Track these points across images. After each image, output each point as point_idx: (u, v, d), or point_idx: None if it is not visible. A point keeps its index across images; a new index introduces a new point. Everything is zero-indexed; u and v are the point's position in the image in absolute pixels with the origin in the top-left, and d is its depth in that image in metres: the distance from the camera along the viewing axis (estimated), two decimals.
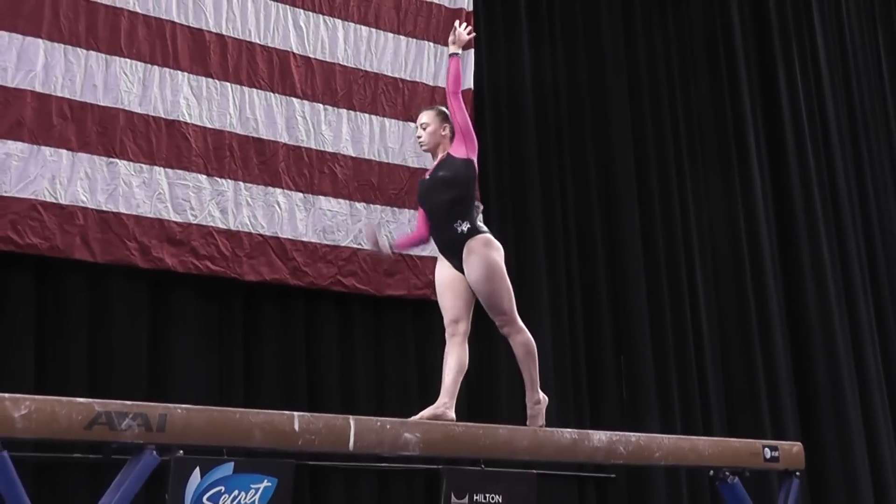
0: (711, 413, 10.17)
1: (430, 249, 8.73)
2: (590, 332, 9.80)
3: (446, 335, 5.29)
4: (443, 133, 5.42)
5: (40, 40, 7.24)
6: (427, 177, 5.41)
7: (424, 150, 5.55)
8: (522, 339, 5.28)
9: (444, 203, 5.23)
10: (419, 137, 5.48)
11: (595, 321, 9.85)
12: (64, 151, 7.24)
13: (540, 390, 5.37)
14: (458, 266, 5.24)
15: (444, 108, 5.48)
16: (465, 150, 5.31)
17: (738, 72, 11.50)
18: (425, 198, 5.39)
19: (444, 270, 5.32)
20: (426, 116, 5.47)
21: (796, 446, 6.04)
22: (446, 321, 5.29)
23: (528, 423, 5.36)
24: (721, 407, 10.33)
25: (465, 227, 5.20)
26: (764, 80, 11.81)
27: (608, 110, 10.47)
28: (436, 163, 5.40)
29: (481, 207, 5.46)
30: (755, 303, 10.85)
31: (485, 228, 5.25)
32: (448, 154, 5.34)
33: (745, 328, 10.75)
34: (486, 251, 5.17)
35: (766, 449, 5.80)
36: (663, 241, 10.45)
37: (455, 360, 5.21)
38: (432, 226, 5.37)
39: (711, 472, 5.78)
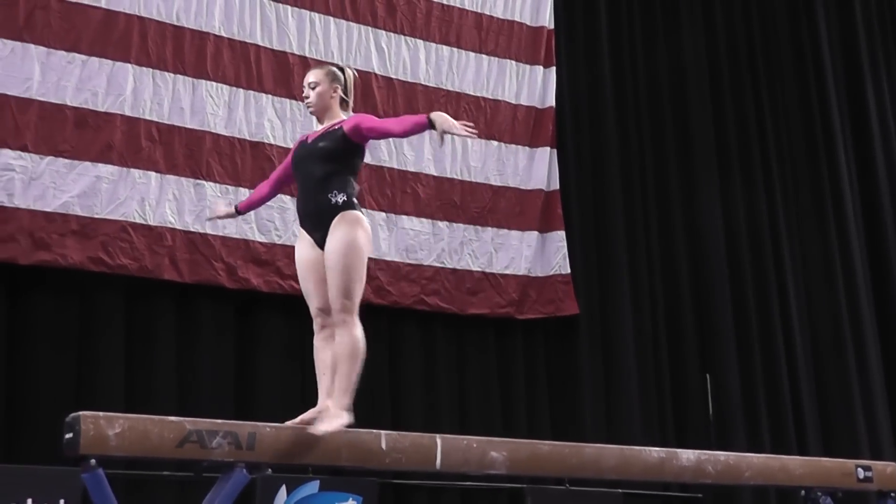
0: (806, 432, 9.96)
1: (514, 268, 8.77)
2: (674, 351, 9.69)
3: (314, 327, 4.65)
4: (332, 95, 4.80)
5: (129, 65, 7.39)
6: (308, 141, 4.79)
7: (311, 113, 4.90)
8: (352, 334, 4.48)
9: (321, 174, 4.64)
10: (306, 98, 4.84)
11: (679, 339, 9.75)
12: (152, 174, 7.38)
13: (344, 401, 4.40)
14: (322, 240, 4.61)
15: (333, 68, 4.89)
16: (357, 135, 4.66)
17: (824, 72, 11.28)
18: (300, 166, 4.76)
19: (304, 250, 4.71)
20: (314, 75, 4.83)
21: (890, 466, 5.90)
22: (313, 310, 4.67)
23: (297, 420, 4.44)
24: (816, 426, 10.12)
25: (341, 198, 4.60)
26: (850, 82, 11.55)
27: (690, 122, 10.38)
28: (321, 130, 4.78)
29: (358, 189, 4.76)
30: (849, 319, 10.59)
31: (361, 209, 4.67)
32: (338, 126, 4.71)
33: (839, 344, 10.48)
34: (356, 227, 4.57)
35: (860, 469, 5.67)
36: (749, 254, 10.30)
37: (331, 357, 4.56)
38: (301, 195, 4.75)
39: (803, 493, 5.67)
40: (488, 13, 9.12)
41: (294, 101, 8.03)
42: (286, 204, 7.87)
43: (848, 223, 10.93)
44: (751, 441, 9.49)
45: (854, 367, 10.47)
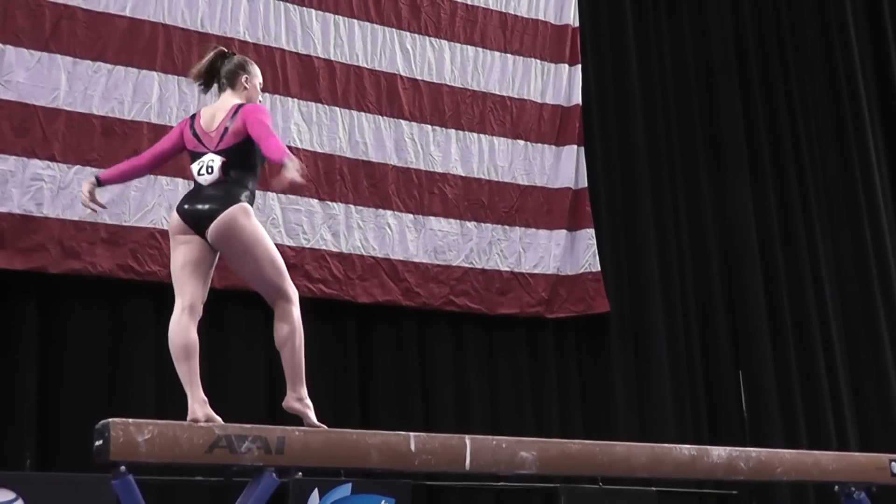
0: (845, 427, 9.84)
1: (543, 267, 8.75)
2: (706, 347, 9.62)
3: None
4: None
5: (155, 73, 7.43)
6: None
7: None
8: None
9: None
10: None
11: (712, 335, 9.68)
12: (179, 180, 7.39)
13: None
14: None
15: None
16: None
17: (853, 61, 11.11)
18: None
19: None
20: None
21: None
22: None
23: None
24: (854, 421, 9.99)
25: None
26: (879, 70, 11.37)
27: (719, 115, 10.31)
28: None
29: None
30: (884, 311, 10.41)
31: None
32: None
33: (874, 337, 10.31)
34: None
35: (894, 464, 5.61)
36: (781, 247, 10.19)
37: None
38: None
39: (837, 488, 5.62)
40: (513, 12, 9.12)
41: (320, 105, 8.06)
42: (314, 208, 7.90)
43: (880, 213, 10.78)
44: (787, 438, 9.41)
45: (891, 359, 10.33)
